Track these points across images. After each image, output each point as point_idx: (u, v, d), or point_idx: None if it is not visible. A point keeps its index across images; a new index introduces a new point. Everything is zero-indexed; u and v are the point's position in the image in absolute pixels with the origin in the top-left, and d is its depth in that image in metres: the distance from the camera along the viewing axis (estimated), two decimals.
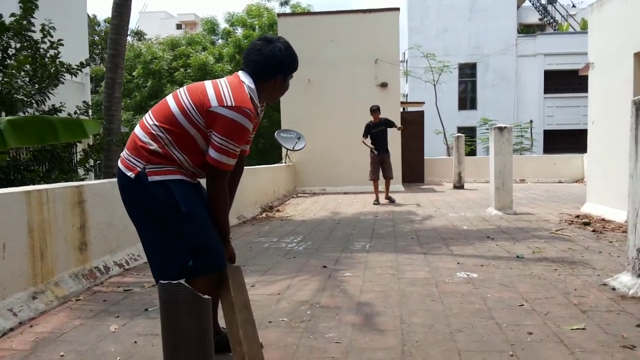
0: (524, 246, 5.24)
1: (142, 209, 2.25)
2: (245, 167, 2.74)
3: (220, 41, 25.40)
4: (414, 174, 14.82)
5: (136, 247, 4.76)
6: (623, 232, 5.72)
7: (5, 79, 6.14)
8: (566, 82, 25.27)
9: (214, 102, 2.19)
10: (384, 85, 12.93)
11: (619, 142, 6.23)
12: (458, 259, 4.72)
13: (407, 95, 26.73)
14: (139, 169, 2.20)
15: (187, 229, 2.21)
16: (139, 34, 27.85)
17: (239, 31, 24.04)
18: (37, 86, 6.58)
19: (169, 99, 2.31)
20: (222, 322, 2.67)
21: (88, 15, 17.22)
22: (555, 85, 26.04)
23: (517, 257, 4.72)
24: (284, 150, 12.99)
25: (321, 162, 13.02)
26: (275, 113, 17.20)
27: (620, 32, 6.85)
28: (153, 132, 2.22)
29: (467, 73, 26.68)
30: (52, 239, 3.63)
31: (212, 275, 2.31)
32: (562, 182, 14.81)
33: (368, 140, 9.74)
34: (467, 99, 27.09)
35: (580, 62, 11.10)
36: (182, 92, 2.30)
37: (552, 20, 29.55)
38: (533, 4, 29.24)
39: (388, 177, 9.81)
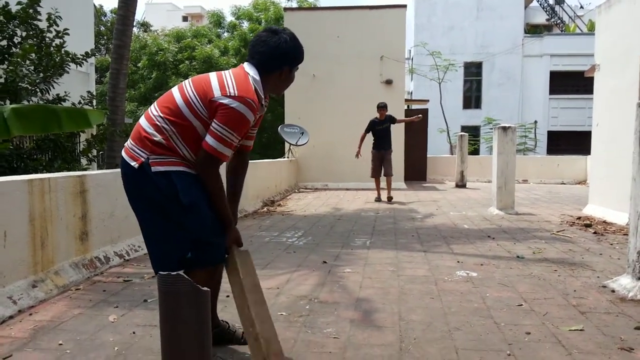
0: (525, 246, 5.23)
1: (144, 199, 2.26)
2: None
3: (226, 34, 25.38)
4: (417, 172, 14.79)
5: (137, 238, 4.77)
6: (624, 234, 5.71)
7: (11, 67, 6.14)
8: (572, 83, 25.18)
9: (217, 92, 2.20)
10: (388, 82, 12.89)
11: (623, 145, 6.21)
12: (458, 257, 4.72)
13: (411, 93, 26.69)
14: (142, 159, 2.21)
15: (189, 220, 2.22)
16: (145, 25, 27.83)
17: (245, 25, 24.02)
18: (42, 75, 6.59)
19: (174, 90, 2.31)
20: (223, 315, 2.67)
21: (94, 6, 17.22)
22: (560, 86, 25.95)
23: (518, 257, 4.71)
24: (286, 145, 12.98)
25: (324, 157, 13.00)
26: (279, 107, 17.19)
27: (627, 34, 6.81)
28: (158, 123, 2.23)
29: (473, 72, 26.61)
30: (53, 228, 3.64)
31: (211, 268, 2.31)
32: (564, 184, 14.77)
33: (369, 137, 9.64)
34: (472, 98, 27.03)
35: (587, 63, 11.03)
36: (187, 83, 2.30)
37: (559, 21, 29.41)
38: (540, 4, 29.11)
39: (387, 175, 9.66)
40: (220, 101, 2.18)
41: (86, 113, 4.71)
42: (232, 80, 2.24)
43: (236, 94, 2.18)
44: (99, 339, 2.69)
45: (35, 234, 3.43)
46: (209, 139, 2.18)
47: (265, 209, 8.60)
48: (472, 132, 23.20)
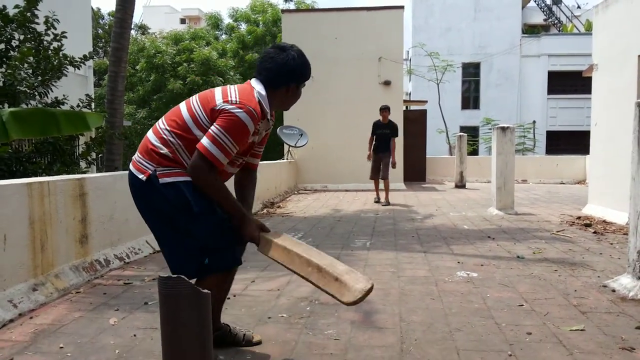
0: (525, 246, 5.23)
1: (153, 210, 2.30)
2: None
3: (224, 36, 25.41)
4: (416, 173, 14.80)
5: (137, 240, 4.77)
6: (624, 234, 5.72)
7: (9, 71, 6.13)
8: (570, 83, 25.22)
9: (219, 100, 2.24)
10: (387, 83, 12.91)
11: (622, 144, 6.22)
12: (458, 258, 4.72)
13: (410, 94, 26.72)
14: (150, 171, 2.25)
15: (197, 228, 2.26)
16: (142, 28, 27.81)
17: (243, 27, 24.05)
18: (40, 78, 6.58)
19: (182, 105, 2.37)
20: (224, 317, 2.67)
21: (92, 9, 17.20)
22: (558, 86, 25.99)
23: (518, 257, 4.71)
24: (286, 147, 12.99)
25: (323, 159, 13.01)
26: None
27: (625, 33, 6.83)
28: (164, 136, 2.27)
29: (471, 72, 26.64)
30: (53, 231, 3.64)
31: (224, 273, 2.37)
32: (564, 183, 14.79)
33: (372, 144, 9.60)
34: (470, 99, 27.05)
35: (584, 63, 11.06)
36: (194, 98, 2.36)
37: (556, 21, 29.46)
38: (538, 5, 29.17)
39: (383, 178, 9.51)
40: (222, 107, 2.21)
41: (85, 116, 4.71)
42: (235, 91, 2.28)
43: (238, 101, 2.21)
44: (99, 342, 2.68)
45: (35, 237, 3.43)
46: (204, 140, 2.19)
47: (265, 210, 8.59)
48: (471, 132, 23.23)
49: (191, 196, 2.22)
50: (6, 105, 5.99)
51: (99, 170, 9.21)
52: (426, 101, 17.87)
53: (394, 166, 9.58)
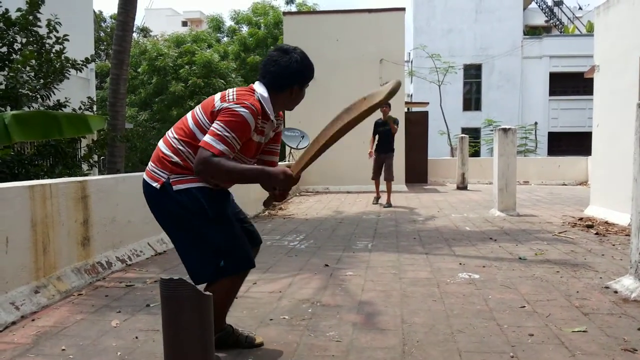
0: (527, 248, 5.23)
1: (169, 217, 2.36)
2: None
3: (225, 39, 25.46)
4: (417, 174, 14.77)
5: (139, 243, 4.77)
6: (626, 235, 5.71)
7: (11, 74, 6.16)
8: (571, 84, 25.21)
9: (217, 102, 2.31)
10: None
11: (624, 145, 6.21)
12: (460, 259, 4.71)
13: (411, 96, 26.70)
14: (163, 179, 2.32)
15: (212, 232, 2.32)
16: (144, 31, 27.90)
17: (245, 29, 24.09)
18: (42, 81, 6.60)
19: (188, 114, 2.45)
20: (227, 319, 2.67)
21: (94, 11, 17.27)
22: (560, 88, 25.98)
23: (520, 258, 4.71)
24: (287, 149, 12.99)
25: (324, 161, 12.81)
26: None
27: (626, 34, 6.82)
28: (174, 145, 2.34)
29: (472, 74, 26.63)
30: (55, 234, 3.65)
31: (236, 276, 2.42)
32: (566, 185, 14.76)
33: (373, 143, 9.58)
34: (472, 100, 27.05)
35: (586, 64, 11.05)
36: (197, 107, 2.43)
37: (558, 23, 29.45)
38: (539, 6, 29.16)
39: (386, 179, 9.41)
40: (220, 107, 2.27)
41: (87, 119, 4.73)
42: (233, 91, 2.35)
43: (235, 99, 2.28)
44: (101, 344, 2.69)
45: (37, 239, 3.43)
46: (205, 137, 2.24)
47: (266, 212, 8.59)
48: (473, 134, 23.21)
49: (206, 201, 2.29)
50: (8, 108, 6.01)
51: (100, 172, 9.23)
52: (428, 103, 17.88)
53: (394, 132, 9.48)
